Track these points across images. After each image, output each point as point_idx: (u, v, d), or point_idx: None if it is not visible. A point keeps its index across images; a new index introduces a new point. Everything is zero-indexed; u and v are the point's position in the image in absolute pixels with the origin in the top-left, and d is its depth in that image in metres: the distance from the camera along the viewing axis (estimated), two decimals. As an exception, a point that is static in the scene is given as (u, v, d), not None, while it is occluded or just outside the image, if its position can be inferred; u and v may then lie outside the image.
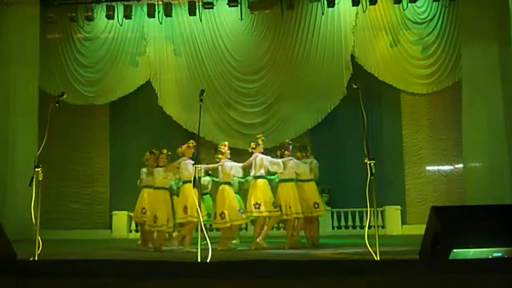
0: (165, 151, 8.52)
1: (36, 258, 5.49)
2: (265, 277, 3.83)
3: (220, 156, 8.33)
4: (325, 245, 8.98)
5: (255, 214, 8.13)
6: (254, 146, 8.32)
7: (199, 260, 5.21)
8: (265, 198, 8.10)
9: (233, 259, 5.82)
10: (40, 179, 5.68)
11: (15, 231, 8.87)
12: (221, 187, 8.31)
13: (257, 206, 8.04)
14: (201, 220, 5.55)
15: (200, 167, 5.61)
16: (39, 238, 5.56)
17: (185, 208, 7.83)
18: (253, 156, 8.27)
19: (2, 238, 5.94)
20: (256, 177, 8.25)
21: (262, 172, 8.23)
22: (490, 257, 4.91)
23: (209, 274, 4.17)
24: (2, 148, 11.97)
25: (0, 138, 12.03)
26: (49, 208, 11.90)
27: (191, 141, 8.20)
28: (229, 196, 8.18)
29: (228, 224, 8.12)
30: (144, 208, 8.66)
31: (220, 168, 8.30)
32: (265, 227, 8.27)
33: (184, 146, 8.17)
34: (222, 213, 8.08)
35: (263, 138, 8.49)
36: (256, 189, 8.16)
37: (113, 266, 4.69)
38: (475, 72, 11.61)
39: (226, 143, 8.53)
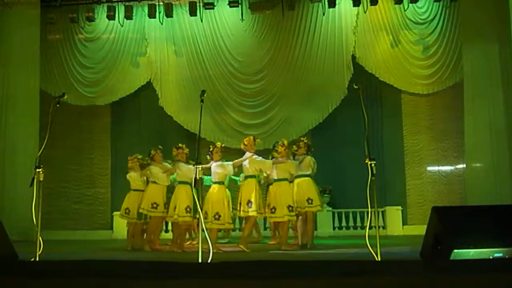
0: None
1: (37, 259, 5.50)
2: (266, 277, 3.83)
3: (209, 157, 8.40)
4: (325, 246, 8.97)
5: (250, 214, 8.10)
6: (246, 143, 8.32)
7: (200, 260, 5.22)
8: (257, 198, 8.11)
9: (234, 260, 5.83)
10: (41, 179, 5.70)
11: (16, 231, 8.90)
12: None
13: (250, 205, 8.03)
14: (202, 220, 5.56)
15: (201, 167, 5.66)
16: (40, 238, 5.57)
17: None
18: (246, 155, 8.27)
19: (4, 239, 5.95)
20: (247, 177, 8.26)
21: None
22: (491, 257, 4.91)
23: (210, 274, 4.17)
24: (3, 149, 11.98)
25: (1, 139, 12.05)
26: (50, 208, 11.90)
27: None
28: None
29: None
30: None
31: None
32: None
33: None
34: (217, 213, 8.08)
35: (259, 140, 8.49)
36: (248, 188, 8.17)
37: (114, 266, 4.70)
38: (477, 72, 11.60)
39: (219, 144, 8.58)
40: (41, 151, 5.84)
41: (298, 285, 3.57)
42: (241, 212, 8.14)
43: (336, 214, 12.71)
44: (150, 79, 13.25)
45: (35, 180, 5.65)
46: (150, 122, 13.44)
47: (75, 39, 13.34)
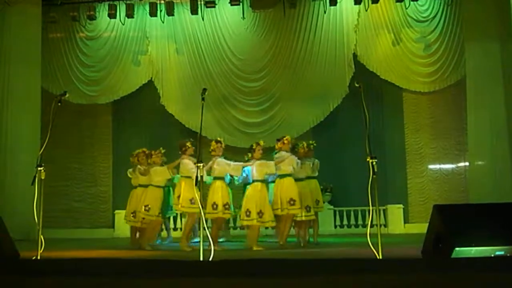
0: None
1: (39, 257, 5.50)
2: (267, 275, 3.83)
3: (213, 153, 8.31)
4: (327, 244, 8.98)
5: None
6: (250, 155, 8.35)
7: (201, 258, 5.22)
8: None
9: (235, 258, 5.83)
10: (43, 178, 5.70)
11: (17, 230, 8.90)
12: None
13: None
14: (203, 217, 5.56)
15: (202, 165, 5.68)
16: (41, 237, 5.57)
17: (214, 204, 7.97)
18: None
19: (5, 237, 5.96)
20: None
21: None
22: (492, 255, 4.91)
23: (211, 272, 4.17)
24: (4, 147, 11.99)
25: (2, 137, 12.05)
26: (51, 207, 11.91)
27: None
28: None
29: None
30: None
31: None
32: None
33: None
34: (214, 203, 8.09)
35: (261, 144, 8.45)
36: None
37: (116, 265, 4.70)
38: (479, 70, 11.59)
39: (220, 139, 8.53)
40: (42, 149, 5.84)
41: (299, 283, 3.58)
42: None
43: (337, 213, 12.71)
44: (151, 78, 13.24)
45: (36, 178, 5.65)
46: (152, 121, 13.45)
47: (77, 38, 13.34)
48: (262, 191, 8.11)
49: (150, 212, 8.36)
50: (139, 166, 8.84)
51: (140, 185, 8.82)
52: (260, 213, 7.96)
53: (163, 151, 8.88)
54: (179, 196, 8.03)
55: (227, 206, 8.06)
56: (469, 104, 11.71)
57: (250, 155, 8.40)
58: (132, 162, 9.17)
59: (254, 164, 8.18)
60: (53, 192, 12.45)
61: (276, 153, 8.39)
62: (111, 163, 13.60)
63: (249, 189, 8.20)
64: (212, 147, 8.23)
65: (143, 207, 8.36)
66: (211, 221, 8.31)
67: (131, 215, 8.80)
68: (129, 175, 9.22)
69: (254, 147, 8.27)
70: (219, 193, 8.06)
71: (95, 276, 3.87)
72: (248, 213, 7.97)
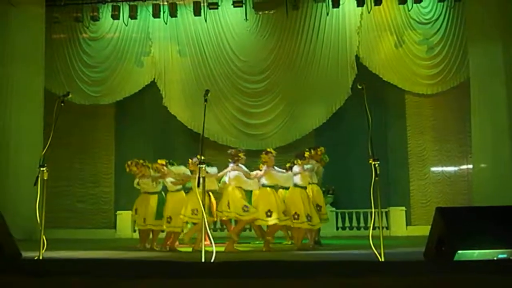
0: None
1: (41, 257, 5.51)
2: (269, 277, 3.83)
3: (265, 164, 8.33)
4: (329, 246, 8.97)
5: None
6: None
7: (203, 260, 5.22)
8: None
9: (237, 260, 5.83)
10: (45, 178, 5.70)
11: (20, 230, 8.93)
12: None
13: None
14: (205, 220, 5.55)
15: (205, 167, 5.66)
16: (44, 237, 5.58)
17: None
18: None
19: (8, 237, 5.96)
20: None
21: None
22: (495, 258, 4.89)
23: (212, 274, 4.16)
24: (7, 147, 12.01)
25: (5, 137, 12.08)
26: (54, 207, 11.90)
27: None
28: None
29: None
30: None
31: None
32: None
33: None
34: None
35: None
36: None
37: (117, 265, 4.70)
38: (483, 73, 11.57)
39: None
40: (45, 150, 5.84)
41: (301, 285, 3.57)
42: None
43: (339, 215, 12.70)
44: (154, 79, 13.27)
45: (39, 179, 5.65)
46: (154, 122, 13.47)
47: (80, 38, 13.39)
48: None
49: (199, 215, 8.17)
50: (172, 176, 8.52)
51: (171, 191, 8.58)
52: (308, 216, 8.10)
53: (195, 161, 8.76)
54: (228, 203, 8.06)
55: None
56: (473, 107, 11.70)
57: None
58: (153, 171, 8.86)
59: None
60: (55, 193, 12.48)
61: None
62: (114, 164, 13.63)
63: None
64: (264, 159, 8.24)
65: (191, 211, 8.05)
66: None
67: (167, 219, 8.35)
68: (146, 185, 8.82)
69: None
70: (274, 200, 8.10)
71: (97, 277, 3.87)
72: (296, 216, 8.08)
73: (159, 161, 8.59)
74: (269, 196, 8.10)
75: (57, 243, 8.24)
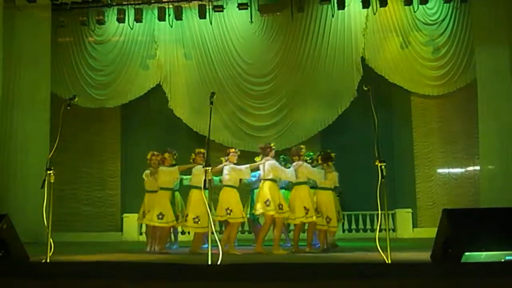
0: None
1: (48, 260, 5.53)
2: (275, 279, 3.83)
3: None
4: (335, 248, 8.94)
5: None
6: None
7: (209, 262, 5.22)
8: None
9: (243, 262, 5.82)
10: (52, 181, 5.72)
11: (27, 233, 8.96)
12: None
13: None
14: (211, 222, 5.55)
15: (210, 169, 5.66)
16: (51, 240, 5.60)
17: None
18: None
19: (15, 240, 5.99)
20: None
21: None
22: (502, 260, 4.87)
23: (219, 276, 4.17)
24: (14, 151, 12.08)
25: (12, 141, 12.15)
26: (60, 210, 11.99)
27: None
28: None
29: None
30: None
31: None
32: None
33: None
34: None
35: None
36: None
37: (124, 268, 4.72)
38: (490, 74, 11.52)
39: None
40: (51, 153, 5.87)
41: (308, 288, 3.57)
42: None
43: (346, 217, 12.65)
44: (159, 82, 13.27)
45: (46, 182, 5.68)
46: (160, 124, 13.48)
47: (85, 42, 13.42)
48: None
49: (232, 214, 8.05)
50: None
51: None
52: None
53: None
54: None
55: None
56: (480, 108, 11.64)
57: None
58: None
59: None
60: (61, 196, 12.53)
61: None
62: (120, 167, 13.66)
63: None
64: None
65: (225, 210, 7.99)
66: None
67: (194, 219, 8.07)
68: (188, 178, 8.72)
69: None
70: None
71: (104, 279, 3.88)
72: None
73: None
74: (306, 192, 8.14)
75: (63, 246, 8.26)
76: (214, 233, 5.54)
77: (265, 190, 8.00)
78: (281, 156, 9.27)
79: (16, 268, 4.82)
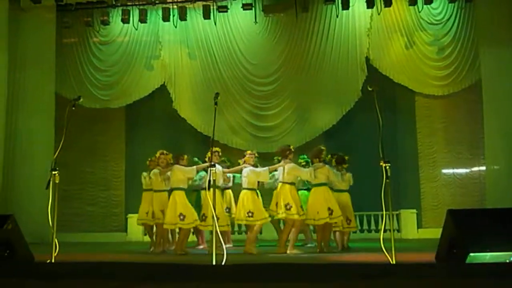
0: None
1: (53, 261, 5.54)
2: (280, 280, 3.82)
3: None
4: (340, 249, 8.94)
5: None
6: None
7: (214, 263, 5.22)
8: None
9: (248, 262, 5.82)
10: (57, 182, 5.74)
11: (32, 233, 8.98)
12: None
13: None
14: (216, 223, 5.56)
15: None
16: (56, 240, 5.61)
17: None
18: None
19: (20, 241, 6.01)
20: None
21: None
22: (507, 261, 4.85)
23: (223, 277, 4.17)
24: (19, 151, 12.13)
25: (17, 142, 12.20)
26: (65, 211, 12.03)
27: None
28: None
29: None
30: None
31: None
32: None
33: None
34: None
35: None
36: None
37: (129, 268, 4.72)
38: (495, 74, 11.49)
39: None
40: (57, 153, 5.89)
41: (312, 288, 3.56)
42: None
43: (350, 217, 12.63)
44: (164, 82, 13.28)
45: (51, 182, 5.69)
46: (164, 125, 13.49)
47: (90, 43, 13.45)
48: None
49: (254, 217, 8.04)
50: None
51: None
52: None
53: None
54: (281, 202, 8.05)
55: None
56: (485, 108, 11.60)
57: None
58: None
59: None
60: (66, 196, 12.58)
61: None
62: (124, 167, 13.68)
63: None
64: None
65: (246, 213, 7.98)
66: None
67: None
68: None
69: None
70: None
71: (109, 280, 3.89)
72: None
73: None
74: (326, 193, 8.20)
75: (68, 247, 8.30)
76: (219, 233, 5.53)
77: (286, 193, 8.00)
78: (301, 157, 9.38)
79: (21, 268, 4.83)
